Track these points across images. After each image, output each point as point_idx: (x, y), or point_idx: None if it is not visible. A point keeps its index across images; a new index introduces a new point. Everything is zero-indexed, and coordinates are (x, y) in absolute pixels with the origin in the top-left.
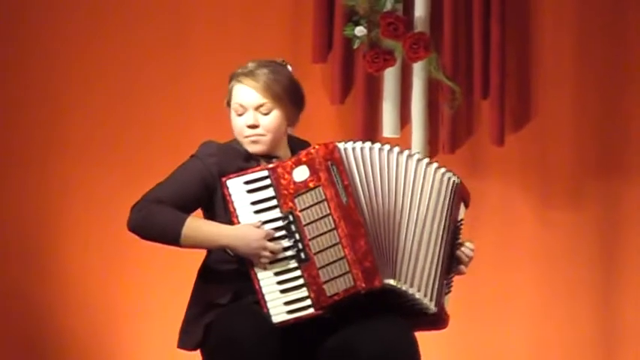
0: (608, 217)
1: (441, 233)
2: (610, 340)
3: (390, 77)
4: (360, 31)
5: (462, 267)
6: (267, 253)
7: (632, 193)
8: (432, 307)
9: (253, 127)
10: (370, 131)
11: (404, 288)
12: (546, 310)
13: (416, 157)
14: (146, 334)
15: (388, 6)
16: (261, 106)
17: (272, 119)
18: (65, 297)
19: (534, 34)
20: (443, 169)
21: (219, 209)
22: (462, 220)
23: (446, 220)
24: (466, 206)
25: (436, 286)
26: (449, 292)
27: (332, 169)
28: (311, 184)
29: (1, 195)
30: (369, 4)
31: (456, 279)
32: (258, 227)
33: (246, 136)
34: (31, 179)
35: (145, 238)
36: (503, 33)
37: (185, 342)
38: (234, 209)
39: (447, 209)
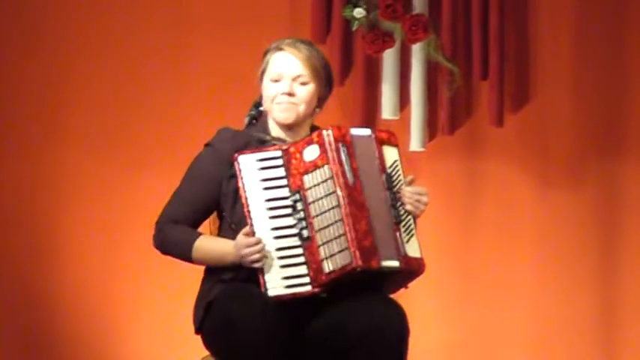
0: (605, 195)
1: (381, 188)
2: (608, 318)
3: (389, 59)
4: (359, 12)
5: (408, 207)
6: (252, 256)
7: (630, 173)
8: (397, 265)
9: (289, 94)
10: (369, 113)
11: (398, 265)
12: (545, 287)
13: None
14: (143, 319)
15: None
16: (299, 76)
17: (307, 90)
18: (62, 284)
19: (533, 16)
20: (361, 134)
21: (230, 192)
22: (395, 162)
23: (376, 174)
24: (393, 145)
25: (393, 245)
26: (411, 236)
27: (342, 150)
28: (319, 162)
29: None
30: None
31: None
32: (247, 235)
33: (279, 103)
34: (29, 168)
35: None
36: (502, 14)
37: (194, 322)
38: (243, 184)
39: (375, 167)
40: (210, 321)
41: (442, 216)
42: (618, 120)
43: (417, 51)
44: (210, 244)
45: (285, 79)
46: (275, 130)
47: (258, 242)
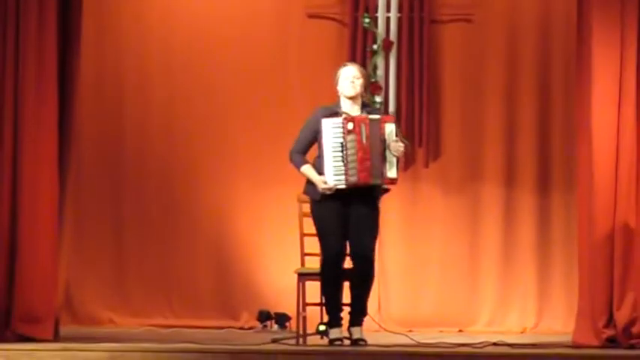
0: (474, 202)
1: (379, 145)
2: (474, 255)
3: None
4: None
5: (393, 152)
6: (325, 192)
7: (486, 190)
8: (380, 182)
9: (352, 82)
10: None
11: (379, 182)
12: (450, 237)
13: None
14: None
15: (377, 105)
16: (355, 75)
17: (360, 81)
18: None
19: (444, 117)
20: (374, 118)
21: (319, 136)
22: (391, 131)
23: (377, 139)
24: (391, 122)
25: (380, 171)
26: (392, 166)
27: (363, 127)
28: (353, 131)
29: (191, 193)
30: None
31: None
32: (324, 182)
33: (348, 85)
34: (208, 182)
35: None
36: (429, 115)
37: (307, 192)
38: (322, 135)
39: (377, 135)
40: (313, 205)
41: (406, 207)
42: (478, 164)
43: None
44: (309, 172)
45: (350, 76)
46: (344, 106)
47: (330, 188)
